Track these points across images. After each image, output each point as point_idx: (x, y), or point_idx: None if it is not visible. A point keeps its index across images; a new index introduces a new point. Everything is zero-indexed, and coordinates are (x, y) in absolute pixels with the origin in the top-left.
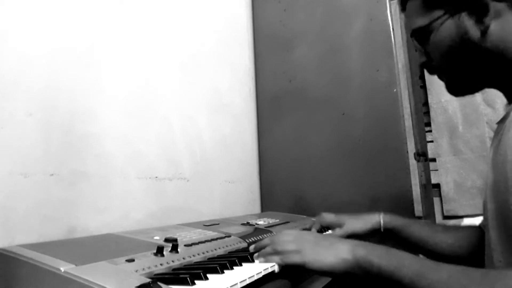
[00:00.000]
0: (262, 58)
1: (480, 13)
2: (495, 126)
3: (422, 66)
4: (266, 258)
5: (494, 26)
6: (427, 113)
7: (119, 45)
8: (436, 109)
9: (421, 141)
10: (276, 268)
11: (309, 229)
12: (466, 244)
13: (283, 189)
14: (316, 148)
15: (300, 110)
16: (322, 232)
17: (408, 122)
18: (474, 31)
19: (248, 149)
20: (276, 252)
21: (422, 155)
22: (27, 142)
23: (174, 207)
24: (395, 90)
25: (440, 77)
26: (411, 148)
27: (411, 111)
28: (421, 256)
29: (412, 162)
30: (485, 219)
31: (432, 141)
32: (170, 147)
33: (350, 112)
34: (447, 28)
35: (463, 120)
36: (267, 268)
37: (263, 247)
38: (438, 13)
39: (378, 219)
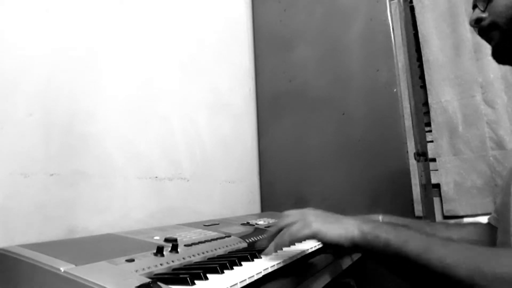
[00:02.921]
0: (262, 58)
1: None
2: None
3: (477, 21)
4: (276, 239)
5: None
6: (427, 113)
7: (119, 45)
8: (436, 109)
9: (421, 141)
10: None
11: None
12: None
13: (283, 189)
14: (316, 148)
15: (300, 110)
16: None
17: (408, 122)
18: None
19: (248, 149)
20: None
21: (422, 155)
22: (27, 142)
23: (174, 207)
24: (395, 90)
25: (490, 38)
26: (411, 148)
27: (411, 111)
28: None
29: (412, 162)
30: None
31: (432, 141)
32: (170, 147)
33: (350, 112)
34: None
35: (463, 120)
36: (267, 268)
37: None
38: None
39: (377, 218)
